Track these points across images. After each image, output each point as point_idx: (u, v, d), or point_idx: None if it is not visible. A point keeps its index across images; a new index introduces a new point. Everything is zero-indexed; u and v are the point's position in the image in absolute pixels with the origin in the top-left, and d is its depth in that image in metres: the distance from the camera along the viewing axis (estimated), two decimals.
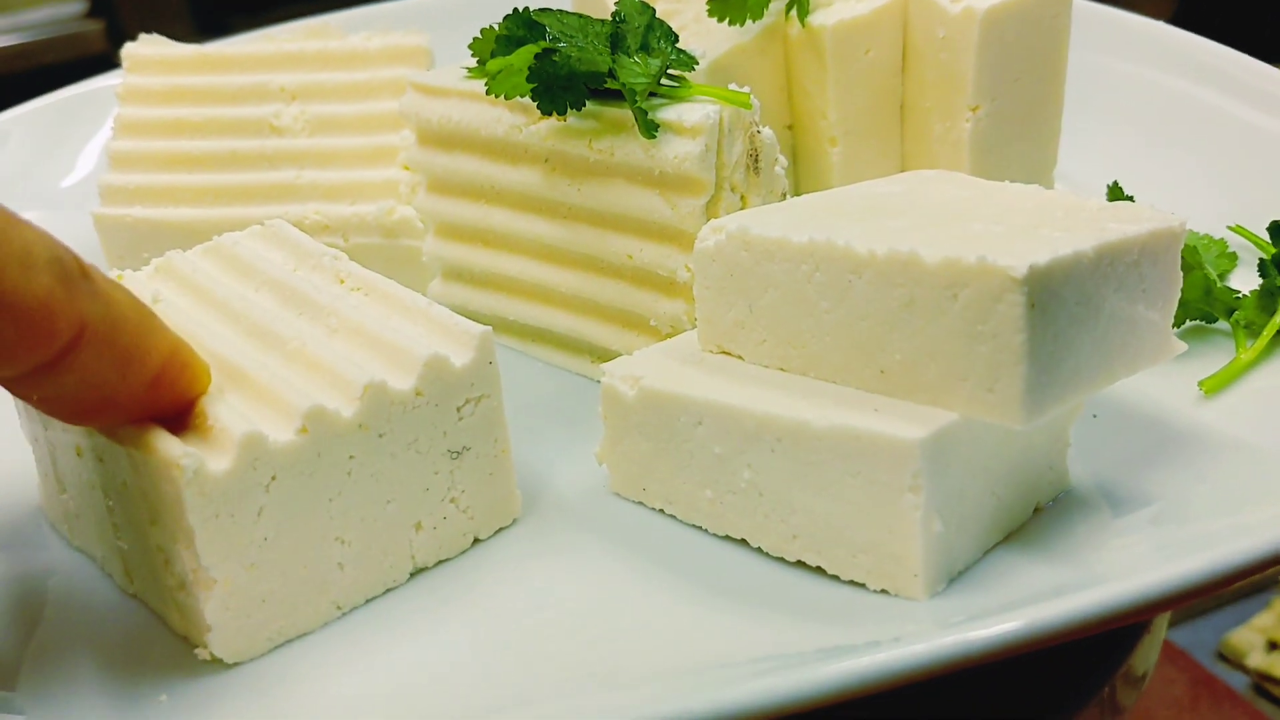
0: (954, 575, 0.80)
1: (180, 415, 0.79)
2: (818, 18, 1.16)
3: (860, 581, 0.81)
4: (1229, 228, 1.10)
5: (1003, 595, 0.78)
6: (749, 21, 1.16)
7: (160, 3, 2.17)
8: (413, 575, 0.87)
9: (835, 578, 0.82)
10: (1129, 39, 1.38)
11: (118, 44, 1.30)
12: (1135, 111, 1.32)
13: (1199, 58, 1.32)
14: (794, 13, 1.17)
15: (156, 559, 0.82)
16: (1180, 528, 0.83)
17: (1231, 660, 2.02)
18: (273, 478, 0.79)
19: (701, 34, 1.19)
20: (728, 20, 1.15)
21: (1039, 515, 0.86)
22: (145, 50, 1.29)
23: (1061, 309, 0.75)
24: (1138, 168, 1.20)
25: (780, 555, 0.84)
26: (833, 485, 0.79)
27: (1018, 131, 1.16)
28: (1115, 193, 1.06)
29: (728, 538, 0.87)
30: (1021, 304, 0.73)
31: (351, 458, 0.82)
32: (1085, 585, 0.70)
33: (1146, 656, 0.94)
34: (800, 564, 0.84)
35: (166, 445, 0.77)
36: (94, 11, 1.27)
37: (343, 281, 0.94)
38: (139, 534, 0.83)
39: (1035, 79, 1.14)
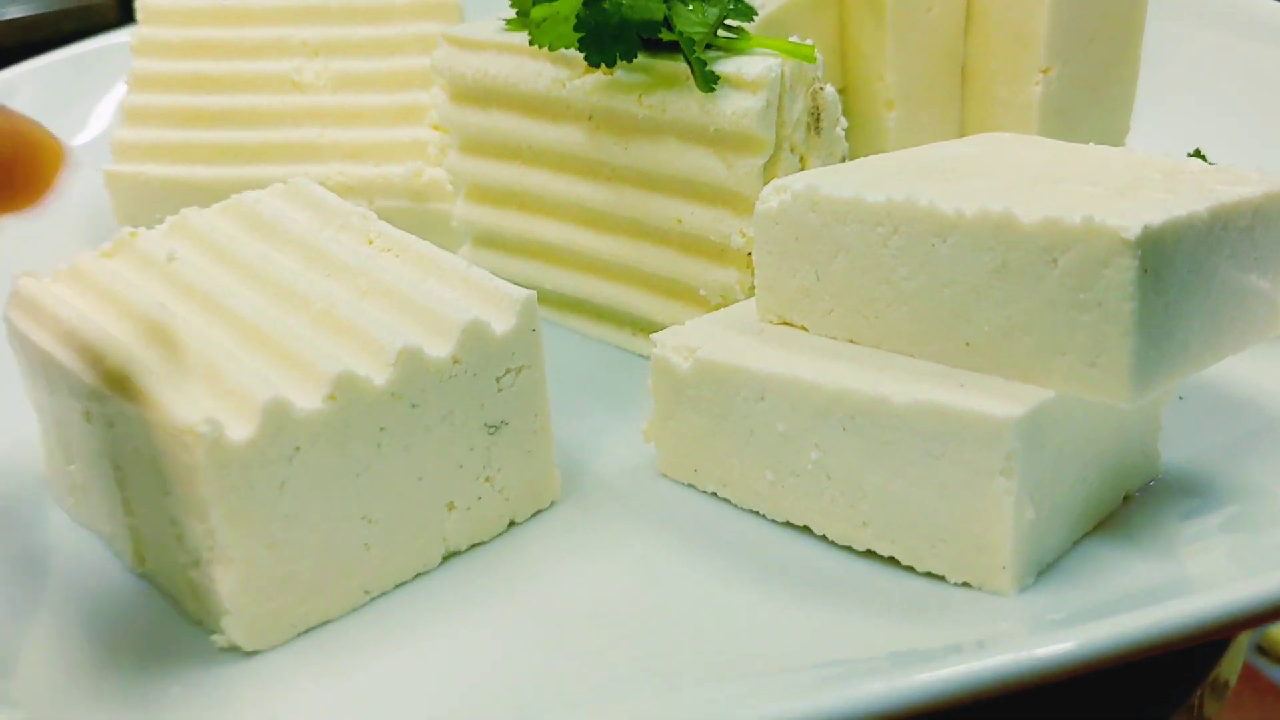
0: (1043, 568, 0.73)
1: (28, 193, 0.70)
2: None
3: (939, 573, 0.74)
4: None
5: (1096, 594, 0.71)
6: None
7: None
8: (445, 559, 0.82)
9: (910, 569, 0.76)
10: (1203, 4, 1.30)
11: (129, 16, 1.24)
12: (1209, 78, 1.25)
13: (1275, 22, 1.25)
14: None
15: (169, 535, 0.76)
16: (1269, 529, 0.76)
17: (1271, 654, 1.95)
18: (297, 448, 0.73)
19: None
20: None
21: (1129, 504, 0.79)
22: (161, 1, 1.22)
23: (1174, 276, 0.68)
24: (1214, 137, 1.12)
25: (848, 544, 0.78)
26: (912, 467, 0.72)
27: (1090, 96, 1.10)
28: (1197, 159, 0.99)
29: (789, 524, 0.81)
30: (1133, 269, 0.66)
31: (382, 429, 0.76)
32: (1185, 590, 0.64)
33: (1233, 663, 0.87)
34: (870, 554, 0.77)
35: (182, 409, 0.71)
36: None
37: (372, 242, 0.87)
38: (151, 508, 0.77)
39: (1110, 39, 1.08)
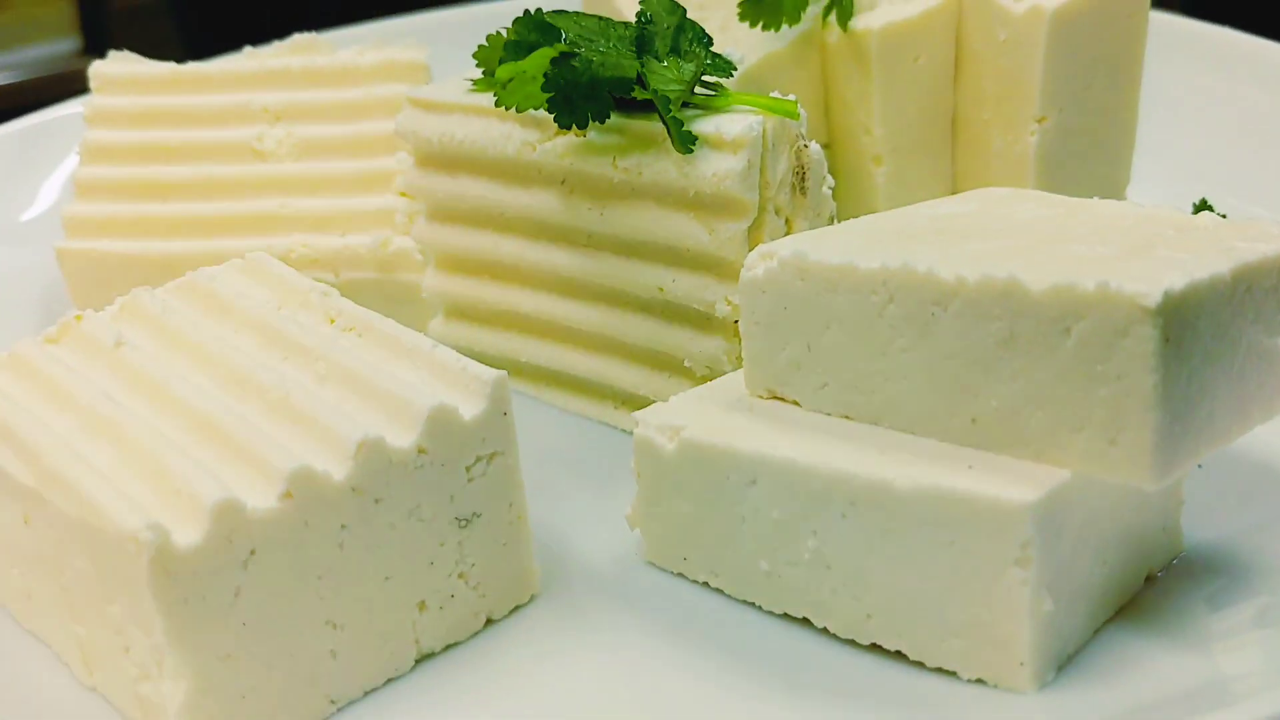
0: (1064, 661, 0.68)
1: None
2: (861, 21, 1.06)
3: (951, 669, 0.69)
4: None
5: (1123, 691, 0.66)
6: (784, 27, 1.05)
7: (156, 39, 2.11)
8: (417, 663, 0.76)
9: (920, 665, 0.70)
10: (1202, 48, 1.26)
11: None
12: (1211, 123, 1.21)
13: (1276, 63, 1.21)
14: (833, 16, 1.07)
15: (116, 646, 0.71)
16: None
17: None
18: (251, 552, 0.68)
19: (729, 42, 1.08)
20: (761, 25, 1.04)
21: (1151, 585, 0.74)
22: (115, 68, 1.17)
23: (1197, 344, 0.63)
24: (1218, 185, 1.08)
25: (852, 638, 0.73)
26: (919, 557, 0.67)
27: (1088, 145, 1.05)
28: (1204, 210, 0.94)
29: (787, 616, 0.75)
30: (1154, 338, 0.60)
31: (344, 527, 0.71)
32: (1222, 693, 0.58)
33: None
34: (875, 648, 0.72)
35: (124, 513, 0.66)
36: (88, 49, 1.18)
37: (333, 321, 0.83)
38: (97, 617, 0.72)
39: (1108, 86, 1.04)
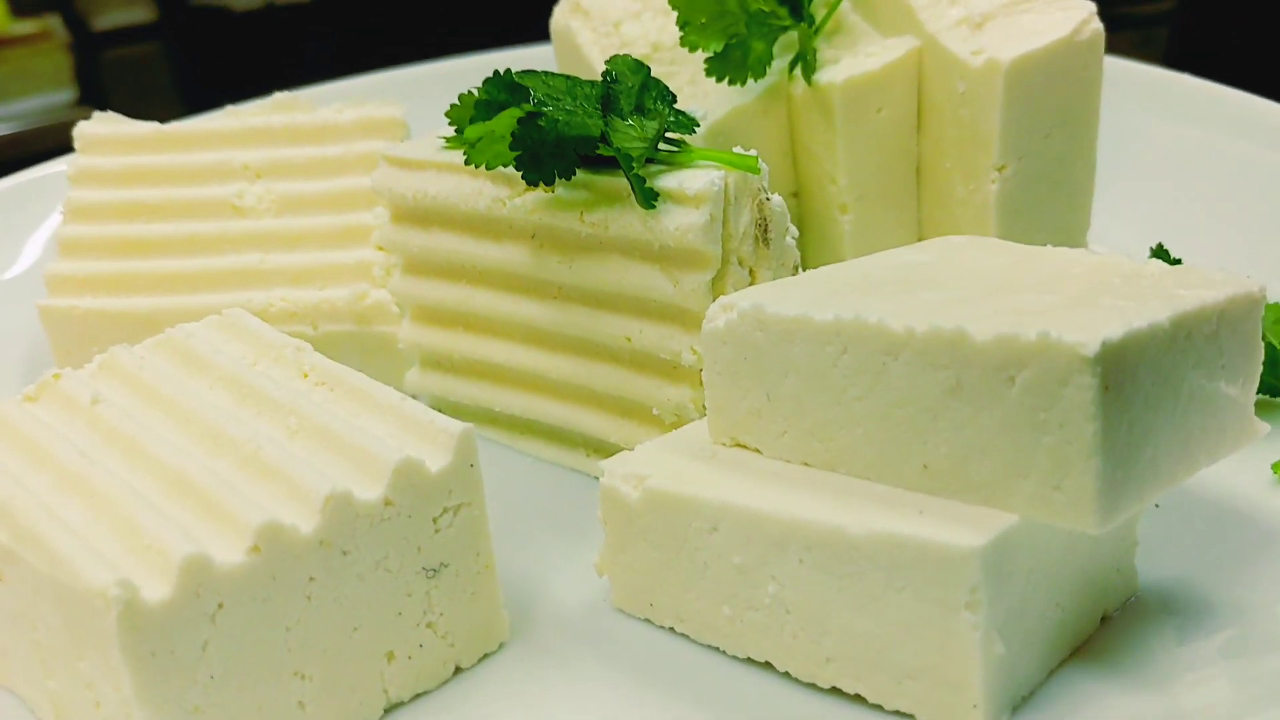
0: (1018, 703, 0.69)
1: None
2: (825, 75, 1.07)
3: (907, 713, 0.70)
4: None
5: None
6: (750, 81, 1.07)
7: (150, 90, 2.13)
8: (386, 712, 0.77)
9: (878, 708, 0.71)
10: (1159, 93, 1.29)
11: None
12: (1169, 170, 1.23)
13: (1236, 111, 1.23)
14: (798, 70, 1.09)
15: (88, 701, 0.72)
16: (1265, 655, 0.72)
17: None
18: (220, 606, 0.69)
19: (698, 96, 1.10)
20: (727, 80, 1.06)
21: (1107, 625, 0.75)
22: (98, 129, 1.19)
23: (1138, 391, 0.64)
24: (1177, 230, 1.10)
25: (812, 681, 0.74)
26: (873, 601, 0.68)
27: (1048, 192, 1.07)
28: (1161, 257, 0.96)
29: (750, 661, 0.76)
30: (1093, 387, 0.62)
31: (312, 580, 0.72)
32: None
33: None
34: (835, 691, 0.73)
35: (93, 569, 0.67)
36: (84, 100, 1.20)
37: (306, 375, 0.84)
38: (69, 672, 0.73)
39: (1066, 135, 1.05)
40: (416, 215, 1.00)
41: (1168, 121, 1.27)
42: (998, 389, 0.66)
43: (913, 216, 1.14)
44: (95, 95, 1.17)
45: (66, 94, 2.15)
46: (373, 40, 1.76)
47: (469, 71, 1.20)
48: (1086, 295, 0.70)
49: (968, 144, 1.05)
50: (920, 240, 1.12)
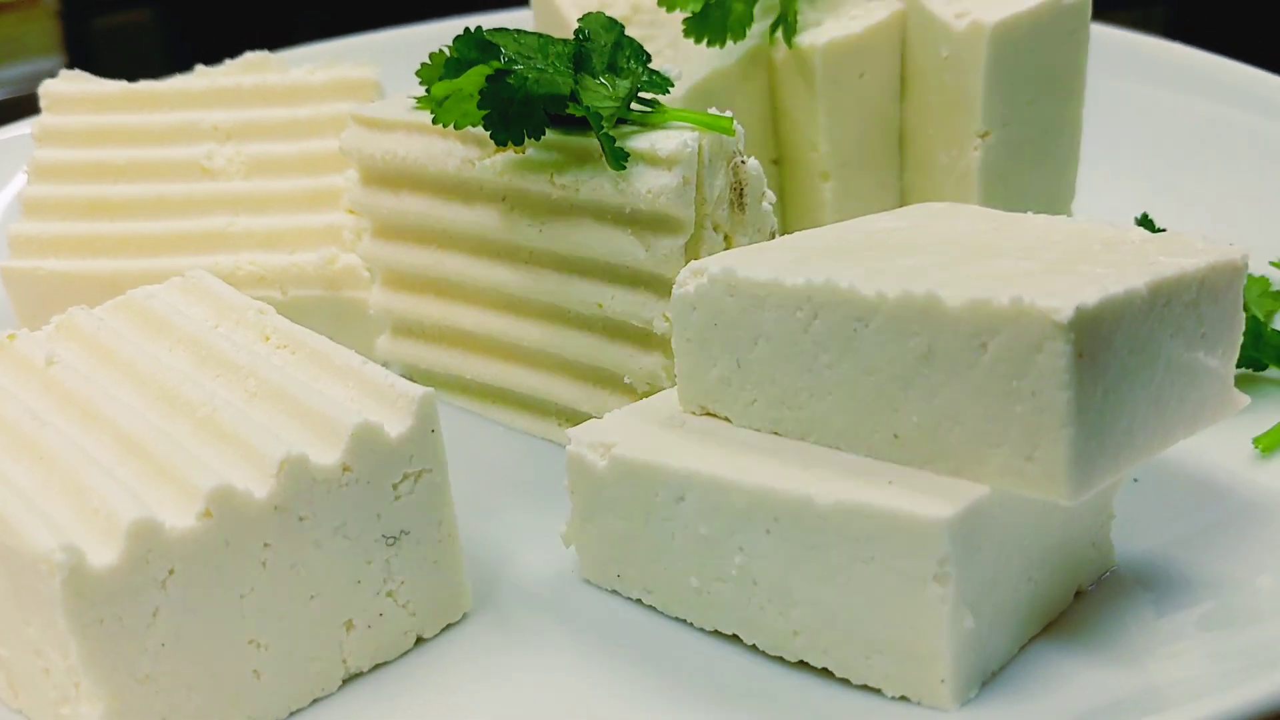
0: (987, 677, 0.67)
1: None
2: (806, 38, 1.05)
3: (875, 686, 0.68)
4: (1271, 263, 0.99)
5: (1048, 705, 0.65)
6: (730, 43, 1.05)
7: (140, 57, 2.10)
8: (345, 682, 0.75)
9: (845, 682, 0.70)
10: (1145, 61, 1.27)
11: None
12: (1155, 138, 1.21)
13: (1227, 79, 1.21)
14: (779, 33, 1.06)
15: (36, 668, 0.70)
16: (1244, 628, 0.71)
17: None
18: (170, 572, 0.67)
19: (678, 60, 1.08)
20: (705, 41, 1.04)
21: (1081, 600, 0.73)
22: (65, 87, 1.16)
23: (1113, 359, 0.62)
24: (1163, 199, 1.08)
25: (779, 654, 0.72)
26: (840, 573, 0.67)
27: (1032, 160, 1.05)
28: (1146, 226, 0.94)
29: (717, 633, 0.75)
30: (1067, 354, 0.60)
31: (267, 546, 0.70)
32: (1155, 701, 0.58)
33: None
34: (803, 665, 0.71)
35: (38, 533, 0.65)
36: (71, 67, 1.18)
37: (268, 339, 0.82)
38: (17, 639, 0.70)
39: (1051, 101, 1.03)
40: (386, 177, 0.98)
41: (1155, 89, 1.25)
42: (969, 356, 0.64)
43: (895, 184, 1.11)
44: (84, 63, 1.15)
45: (55, 61, 2.12)
46: (366, 5, 1.73)
47: (446, 35, 1.18)
48: (1064, 261, 0.68)
49: (951, 110, 1.03)
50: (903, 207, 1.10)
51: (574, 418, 0.94)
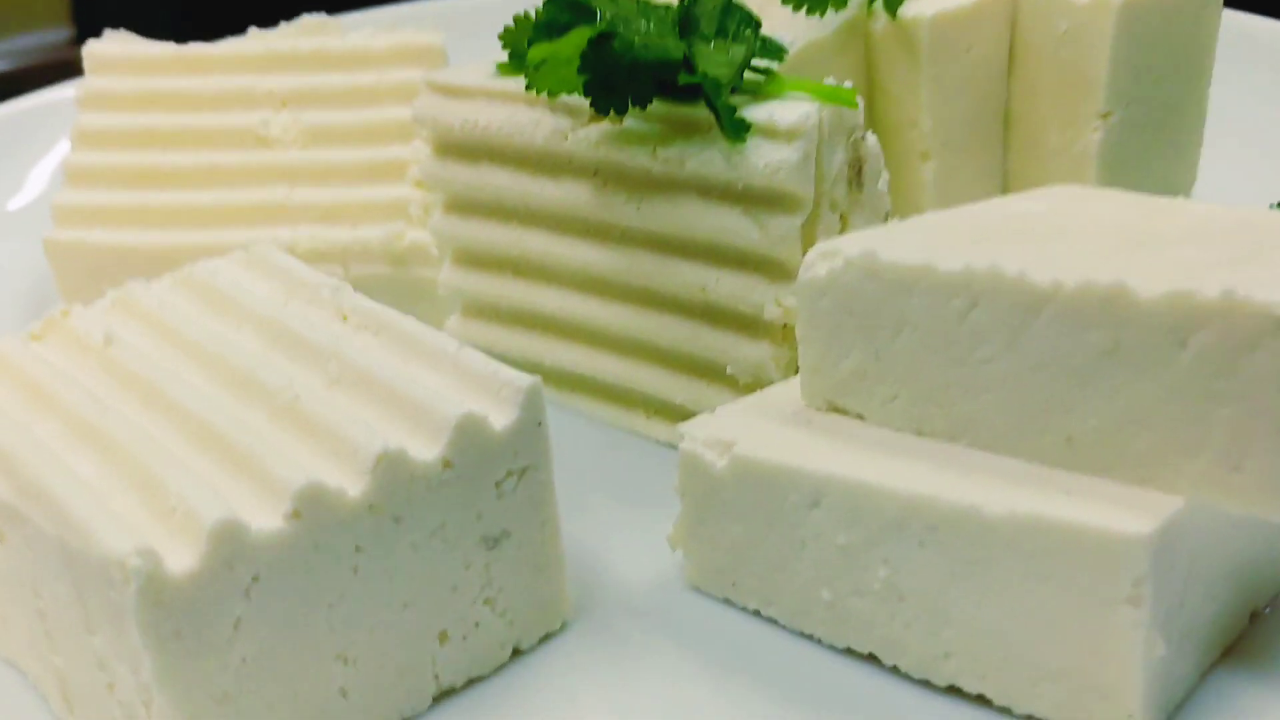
0: (1172, 710, 0.60)
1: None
2: (910, 9, 0.99)
3: (1041, 717, 0.61)
4: None
5: None
6: (830, 12, 0.98)
7: (148, 29, 2.06)
8: (436, 700, 0.69)
9: (1006, 711, 0.63)
10: (1269, 46, 1.20)
11: None
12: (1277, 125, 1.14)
13: None
14: (880, 4, 0.99)
15: (99, 683, 0.64)
16: None
17: None
18: (254, 579, 0.61)
19: (770, 29, 1.01)
20: (805, 9, 0.97)
21: (1256, 623, 0.67)
22: (111, 49, 1.11)
23: None
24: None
25: (925, 677, 0.66)
26: (1009, 591, 0.60)
27: (1154, 142, 0.99)
28: None
29: (850, 652, 0.69)
30: None
31: (359, 550, 0.64)
32: None
33: None
34: (954, 690, 0.65)
35: (110, 534, 0.58)
36: (80, 37, 1.13)
37: (346, 318, 0.76)
38: (78, 648, 0.65)
39: (1179, 80, 0.98)
40: (463, 148, 0.92)
41: (1273, 73, 1.18)
42: (1165, 353, 0.57)
43: (998, 166, 1.06)
44: (93, 33, 1.10)
45: (63, 32, 2.10)
46: None
47: (504, 7, 1.11)
48: (1253, 252, 0.62)
49: (1067, 88, 0.97)
50: (1005, 193, 1.03)
51: (665, 411, 0.88)
